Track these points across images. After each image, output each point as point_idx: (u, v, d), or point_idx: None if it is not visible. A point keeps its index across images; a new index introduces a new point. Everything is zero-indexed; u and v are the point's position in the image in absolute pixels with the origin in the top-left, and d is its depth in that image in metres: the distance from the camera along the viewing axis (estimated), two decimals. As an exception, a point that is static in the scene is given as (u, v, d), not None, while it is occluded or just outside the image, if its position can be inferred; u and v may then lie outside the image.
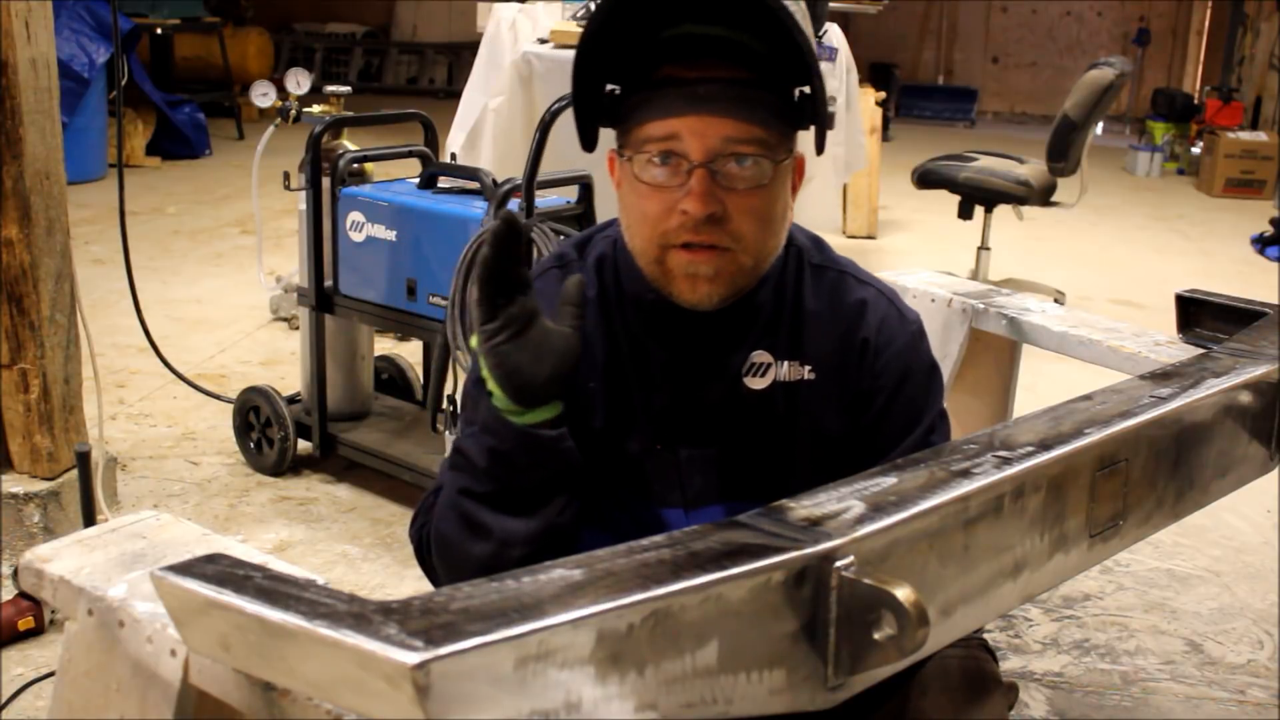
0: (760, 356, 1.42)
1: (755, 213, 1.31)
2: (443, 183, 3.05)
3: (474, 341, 1.25)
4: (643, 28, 1.29)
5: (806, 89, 1.32)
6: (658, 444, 1.42)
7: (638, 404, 1.42)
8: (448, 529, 1.33)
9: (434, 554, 1.38)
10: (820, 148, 1.37)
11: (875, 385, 1.44)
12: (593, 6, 4.19)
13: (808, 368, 1.43)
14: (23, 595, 2.40)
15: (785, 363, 1.42)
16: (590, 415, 1.41)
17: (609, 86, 1.34)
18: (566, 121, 2.77)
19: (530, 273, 1.34)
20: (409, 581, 2.72)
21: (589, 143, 1.38)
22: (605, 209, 2.88)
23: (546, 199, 2.82)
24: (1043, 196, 5.15)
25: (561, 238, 2.61)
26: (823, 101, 1.32)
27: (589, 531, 1.38)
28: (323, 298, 3.11)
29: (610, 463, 1.42)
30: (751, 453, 1.43)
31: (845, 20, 9.13)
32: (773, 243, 1.36)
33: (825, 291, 1.45)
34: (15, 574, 2.47)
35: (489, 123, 4.18)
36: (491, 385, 1.25)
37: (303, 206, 3.15)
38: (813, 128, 1.35)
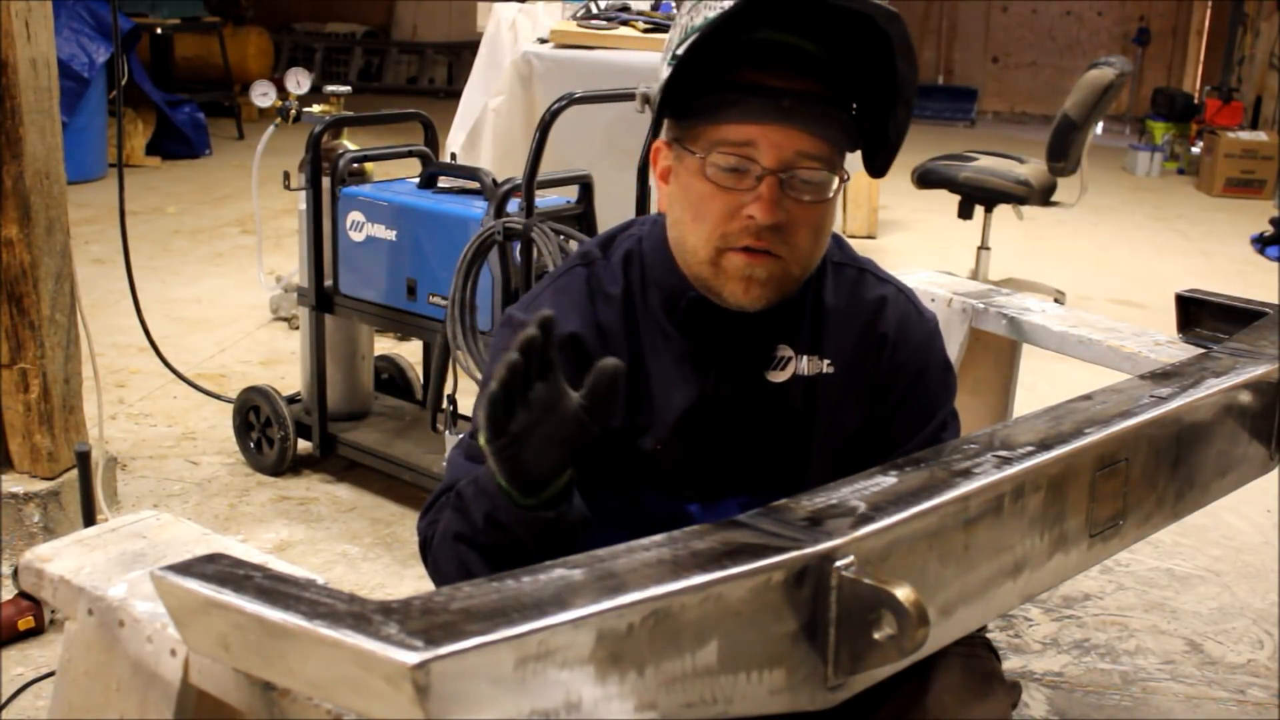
0: (781, 350, 1.44)
1: (812, 225, 1.34)
2: (443, 182, 3.05)
3: (481, 439, 1.18)
4: (729, 29, 1.30)
5: (859, 105, 1.34)
6: (675, 439, 1.43)
7: (658, 400, 1.42)
8: (446, 566, 1.32)
9: (433, 575, 1.39)
10: (883, 171, 1.39)
11: (892, 380, 1.46)
12: (593, 7, 4.21)
13: (826, 361, 1.45)
14: (23, 595, 2.40)
15: (805, 357, 1.44)
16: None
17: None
18: (566, 121, 2.80)
19: (553, 272, 1.35)
20: (409, 581, 2.72)
21: (658, 131, 1.40)
22: (605, 209, 2.88)
23: (546, 199, 2.82)
24: (1043, 196, 5.15)
25: (562, 237, 2.61)
26: (901, 128, 1.34)
27: (606, 528, 1.39)
28: (323, 297, 3.11)
29: (628, 459, 1.42)
30: (770, 446, 1.44)
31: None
32: (820, 253, 1.40)
33: (845, 288, 1.48)
34: (15, 574, 2.47)
35: (489, 123, 4.18)
36: (495, 472, 1.21)
37: (303, 206, 3.15)
38: (875, 152, 1.38)
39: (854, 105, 1.35)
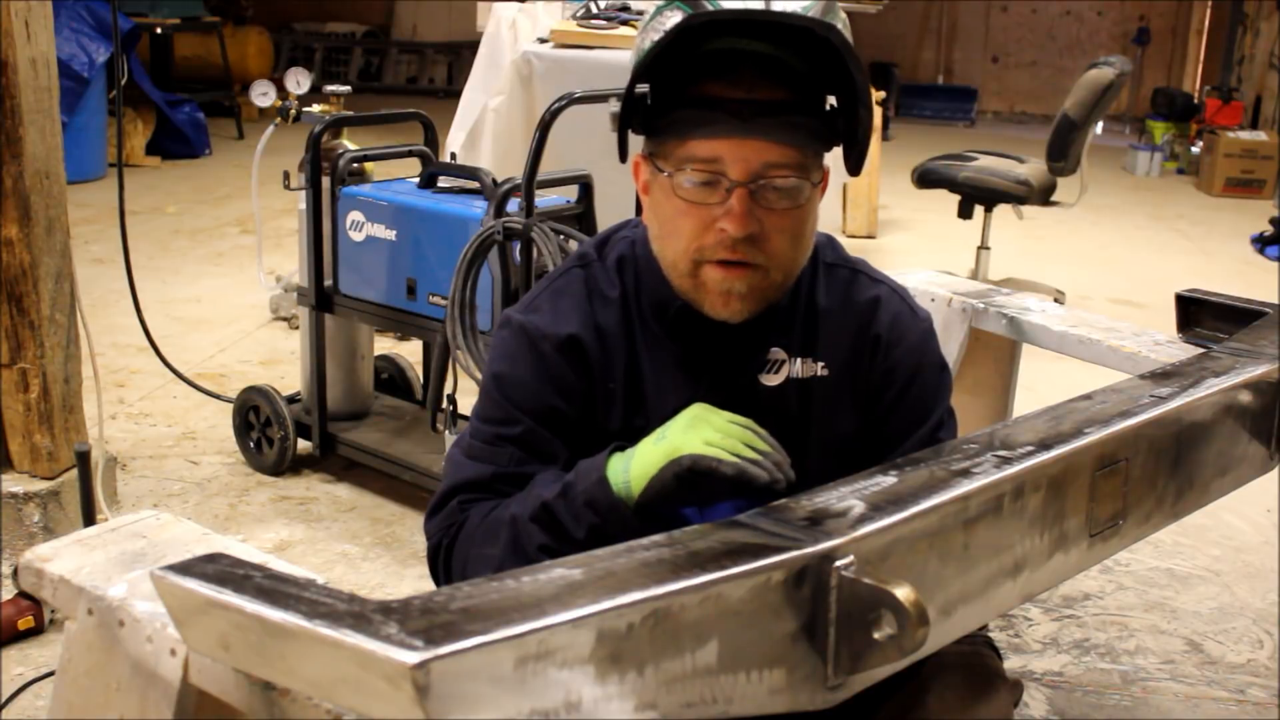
0: (775, 354, 1.44)
1: (789, 231, 1.34)
2: (443, 182, 3.05)
3: (675, 441, 1.27)
4: (688, 41, 1.29)
5: (836, 101, 1.34)
6: None
7: (653, 403, 1.42)
8: None
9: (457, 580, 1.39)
10: (857, 169, 1.38)
11: (886, 380, 1.46)
12: (593, 7, 4.21)
13: (821, 364, 1.45)
14: (23, 595, 2.40)
15: (799, 359, 1.44)
16: (608, 415, 1.42)
17: (639, 89, 1.34)
18: (566, 121, 2.79)
19: (551, 274, 1.39)
20: (409, 581, 2.72)
21: (625, 153, 1.39)
22: (605, 209, 2.88)
23: (546, 199, 2.82)
24: (1043, 196, 5.15)
25: (561, 237, 2.61)
26: (866, 129, 1.33)
27: None
28: (323, 297, 3.11)
29: None
30: None
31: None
32: (802, 258, 1.39)
33: (838, 289, 1.47)
34: (15, 573, 2.47)
35: (489, 122, 4.18)
36: (633, 481, 1.27)
37: (303, 206, 3.15)
38: (848, 150, 1.37)
39: (830, 103, 1.34)
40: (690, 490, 1.25)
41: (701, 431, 1.25)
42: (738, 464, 1.23)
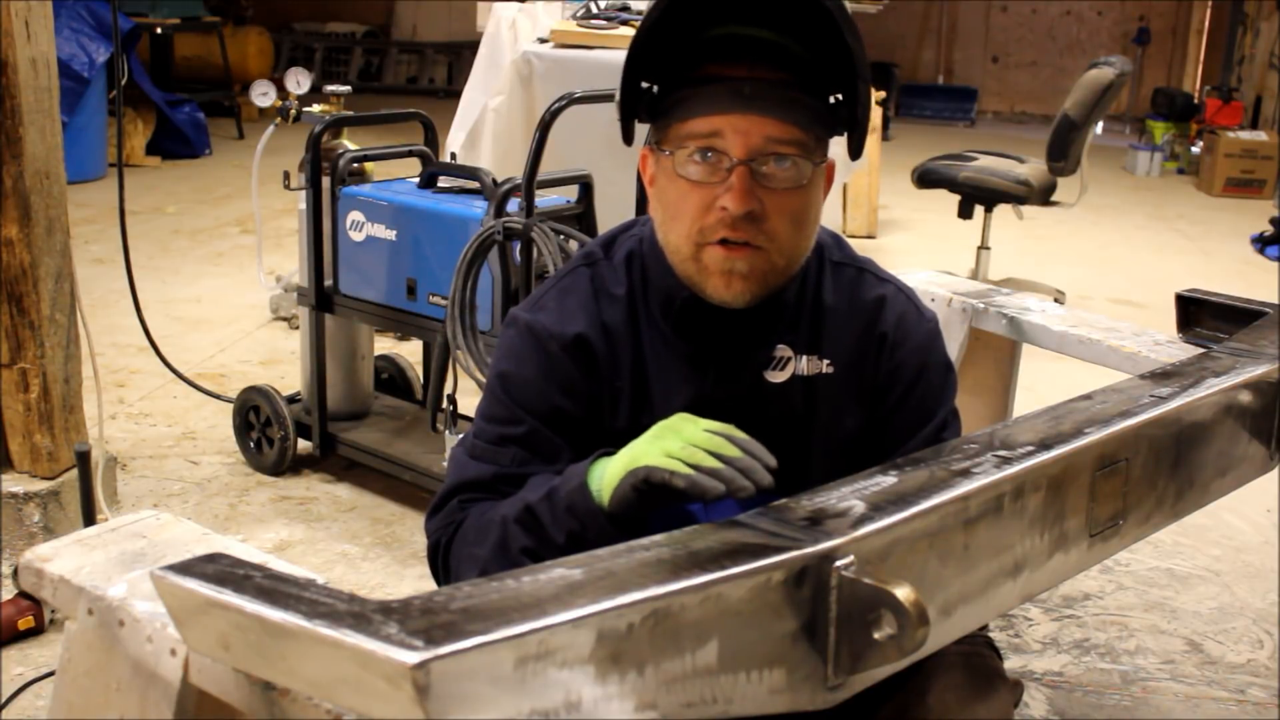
0: (780, 350, 1.44)
1: (791, 213, 1.33)
2: (443, 182, 3.05)
3: (652, 449, 1.22)
4: (688, 27, 1.30)
5: (840, 95, 1.34)
6: None
7: (659, 400, 1.42)
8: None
9: (453, 579, 1.39)
10: (858, 152, 1.38)
11: (891, 379, 1.46)
12: (593, 7, 4.21)
13: (826, 362, 1.45)
14: (23, 595, 2.40)
15: (804, 357, 1.45)
16: (615, 414, 1.42)
17: (644, 83, 1.35)
18: (566, 121, 2.80)
19: (557, 273, 1.40)
20: (409, 581, 2.72)
21: (630, 137, 1.39)
22: (605, 209, 2.88)
23: (546, 199, 2.82)
24: (1043, 196, 5.15)
25: (562, 237, 2.61)
26: (865, 106, 1.33)
27: None
28: (323, 297, 3.11)
29: None
30: (769, 446, 1.43)
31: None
32: (805, 244, 1.39)
33: (845, 287, 1.48)
34: (15, 573, 2.47)
35: (489, 122, 4.18)
36: (604, 490, 1.24)
37: (303, 206, 3.15)
38: (848, 134, 1.37)
39: (836, 96, 1.35)
40: (651, 501, 1.22)
41: (665, 442, 1.23)
42: (690, 476, 1.18)
